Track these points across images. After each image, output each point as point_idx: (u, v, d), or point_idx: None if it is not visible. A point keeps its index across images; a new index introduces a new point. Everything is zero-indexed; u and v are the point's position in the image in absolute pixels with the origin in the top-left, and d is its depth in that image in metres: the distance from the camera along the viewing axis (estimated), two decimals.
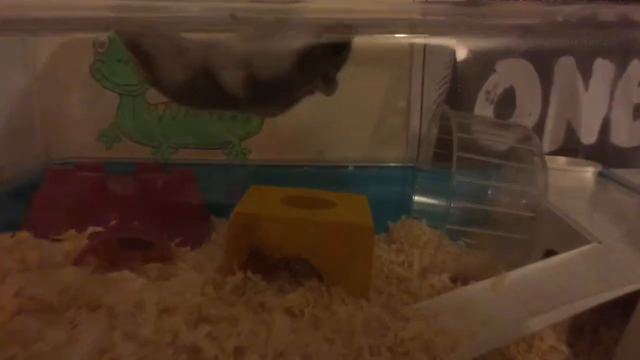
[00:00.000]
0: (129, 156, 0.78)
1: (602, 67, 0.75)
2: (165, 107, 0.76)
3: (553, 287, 0.48)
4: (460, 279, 0.61)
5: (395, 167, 0.79)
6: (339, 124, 0.77)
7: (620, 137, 0.78)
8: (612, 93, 0.76)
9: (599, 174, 0.72)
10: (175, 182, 0.67)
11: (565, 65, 0.74)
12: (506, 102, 0.77)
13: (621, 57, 0.74)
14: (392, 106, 0.77)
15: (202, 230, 0.68)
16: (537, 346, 0.50)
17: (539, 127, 0.77)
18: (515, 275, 0.51)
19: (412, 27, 0.43)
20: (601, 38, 0.63)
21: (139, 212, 0.62)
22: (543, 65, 0.75)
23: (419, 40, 0.69)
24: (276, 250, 0.51)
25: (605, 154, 0.79)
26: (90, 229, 0.57)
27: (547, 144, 0.78)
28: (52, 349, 0.33)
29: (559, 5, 0.45)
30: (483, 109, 0.76)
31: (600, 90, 0.76)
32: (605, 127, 0.78)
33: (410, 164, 0.78)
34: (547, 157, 0.76)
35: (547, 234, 0.58)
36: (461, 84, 0.75)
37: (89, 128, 0.77)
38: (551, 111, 0.77)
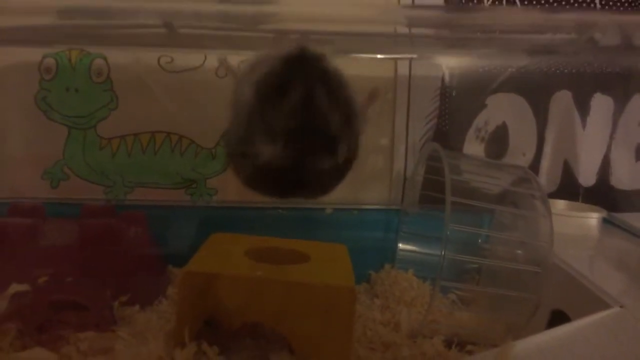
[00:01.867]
0: (77, 196, 0.68)
1: (601, 103, 0.70)
2: (120, 141, 0.68)
3: None
4: (456, 342, 0.53)
5: (378, 209, 0.72)
6: None
7: (621, 179, 0.73)
8: (612, 132, 0.71)
9: (604, 221, 0.66)
10: (123, 227, 0.57)
11: (561, 101, 0.69)
12: (498, 140, 0.71)
13: (622, 91, 0.69)
14: (374, 143, 0.70)
15: (155, 284, 0.59)
16: None
17: (534, 168, 0.71)
18: (523, 346, 0.43)
19: (396, 43, 0.36)
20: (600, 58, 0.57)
21: (79, 265, 0.53)
22: (538, 100, 0.69)
23: (404, 59, 0.63)
24: (238, 317, 0.42)
25: (605, 197, 0.72)
26: (13, 287, 0.47)
27: (543, 185, 0.72)
28: None
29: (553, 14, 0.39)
30: (473, 147, 0.69)
31: (599, 128, 0.70)
32: (604, 168, 0.72)
33: (394, 207, 0.71)
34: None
35: (554, 292, 0.51)
36: (449, 120, 0.69)
37: (32, 165, 0.68)
38: (547, 150, 0.71)
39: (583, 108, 0.70)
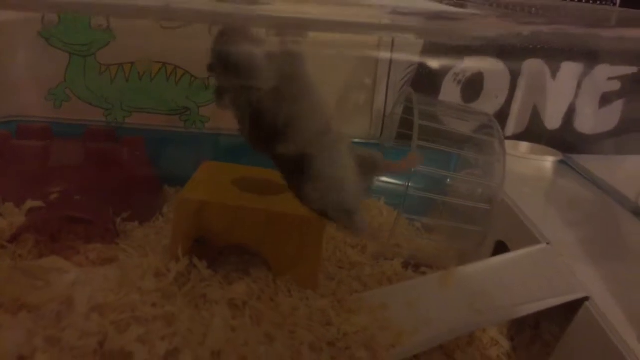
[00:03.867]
0: (79, 117, 0.74)
1: (570, 66, 0.74)
2: (118, 68, 0.72)
3: (500, 288, 0.48)
4: (412, 264, 0.61)
5: (358, 143, 0.77)
6: None
7: (585, 124, 0.78)
8: (579, 83, 0.75)
9: (560, 162, 0.72)
10: (123, 152, 0.63)
11: (534, 62, 0.73)
12: (474, 84, 0.75)
13: (589, 61, 0.73)
14: (357, 83, 0.74)
15: (152, 203, 0.65)
16: (479, 339, 0.51)
17: (505, 110, 0.76)
18: (463, 271, 0.51)
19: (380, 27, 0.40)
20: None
21: (85, 184, 0.60)
22: (512, 62, 0.73)
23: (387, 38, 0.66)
24: (224, 238, 0.50)
25: (569, 139, 0.78)
26: (29, 204, 0.54)
27: (512, 127, 0.77)
28: None
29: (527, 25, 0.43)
30: (450, 89, 0.74)
31: (568, 80, 0.75)
32: (570, 114, 0.77)
33: (373, 141, 0.76)
34: (510, 142, 0.76)
35: (500, 226, 0.58)
36: (429, 68, 0.73)
37: (36, 87, 0.73)
38: (518, 94, 0.75)
39: (553, 67, 0.74)
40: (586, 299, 0.43)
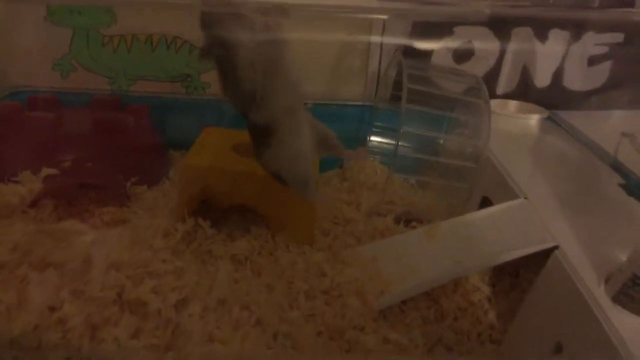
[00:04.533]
0: (85, 87, 0.77)
1: (558, 33, 0.75)
2: (120, 39, 0.75)
3: (479, 239, 0.52)
4: (404, 220, 0.66)
5: (353, 105, 0.80)
6: (300, 62, 0.77)
7: (573, 80, 0.80)
8: (567, 47, 0.77)
9: (547, 119, 0.75)
10: (130, 120, 0.67)
11: (521, 31, 0.75)
12: (464, 50, 0.77)
13: (577, 30, 0.74)
14: (352, 46, 0.76)
15: (159, 167, 0.70)
16: (462, 286, 0.56)
17: (495, 71, 0.78)
18: (447, 225, 0.55)
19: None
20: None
21: (94, 151, 0.64)
22: (501, 31, 0.75)
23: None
24: (226, 200, 0.54)
25: (557, 96, 0.81)
26: (45, 171, 0.58)
27: (502, 86, 0.80)
28: (6, 309, 0.36)
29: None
30: (442, 52, 0.76)
31: (556, 45, 0.77)
32: (559, 73, 0.79)
33: (368, 103, 0.79)
34: (499, 101, 0.78)
35: (485, 182, 0.62)
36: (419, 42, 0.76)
37: (43, 57, 0.76)
38: (507, 58, 0.77)
39: (541, 35, 0.76)
40: (556, 248, 0.47)
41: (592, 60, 0.77)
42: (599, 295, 0.41)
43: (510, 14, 0.64)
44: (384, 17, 0.42)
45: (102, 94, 0.75)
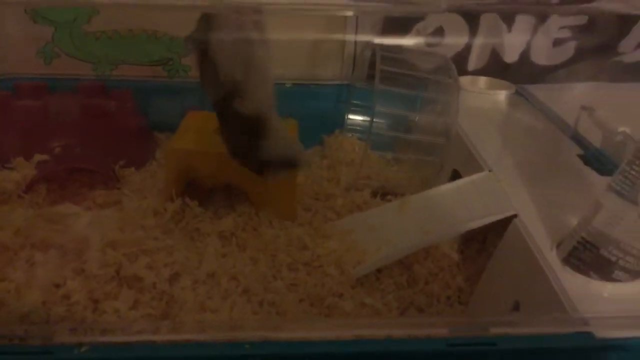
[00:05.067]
0: (69, 72, 0.79)
1: (524, 19, 0.79)
2: (102, 33, 0.77)
3: (446, 211, 0.57)
4: (380, 193, 0.70)
5: (331, 84, 0.83)
6: (278, 43, 0.79)
7: (540, 56, 0.84)
8: (533, 31, 0.80)
9: (514, 94, 0.79)
10: (115, 105, 0.70)
11: (489, 15, 0.78)
12: (436, 37, 0.80)
13: (541, 14, 0.78)
14: (328, 28, 0.79)
15: (145, 150, 0.72)
16: (433, 254, 0.60)
17: (466, 50, 0.82)
18: (418, 198, 0.59)
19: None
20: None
21: (83, 137, 0.66)
22: (470, 16, 0.78)
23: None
24: (211, 180, 0.58)
25: (526, 71, 0.85)
26: (37, 157, 0.61)
27: (473, 63, 0.83)
28: (15, 287, 0.40)
29: None
30: (414, 39, 0.79)
31: (523, 29, 0.80)
32: (526, 51, 0.83)
33: (345, 82, 0.82)
34: (469, 78, 0.82)
35: (455, 157, 0.66)
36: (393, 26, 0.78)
37: (27, 45, 0.77)
38: (477, 40, 0.81)
39: (509, 20, 0.79)
40: (515, 216, 0.51)
41: (557, 41, 0.81)
42: (551, 258, 0.45)
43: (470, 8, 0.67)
44: (350, 13, 0.45)
45: (86, 79, 0.77)
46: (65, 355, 0.32)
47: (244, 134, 0.50)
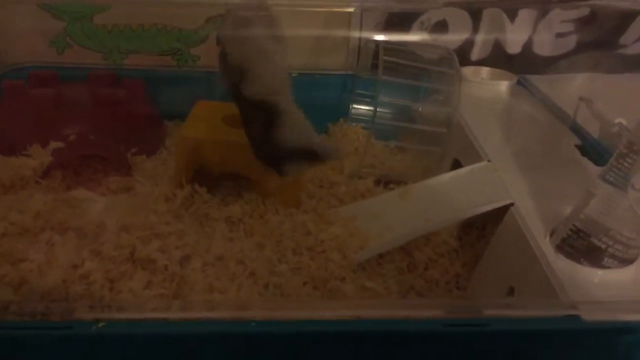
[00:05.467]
0: (81, 61, 0.81)
1: (527, 13, 0.80)
2: (113, 26, 0.79)
3: (446, 198, 0.59)
4: (383, 182, 0.72)
5: (336, 74, 0.85)
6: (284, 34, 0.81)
7: (543, 47, 0.85)
8: (535, 24, 0.81)
9: (516, 84, 0.81)
10: (126, 94, 0.72)
11: (492, 11, 0.79)
12: (439, 28, 0.82)
13: (542, 8, 0.79)
14: (334, 18, 0.80)
15: (156, 137, 0.75)
16: (433, 240, 0.62)
17: (469, 42, 0.83)
18: (419, 187, 0.61)
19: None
20: None
21: (95, 125, 0.69)
22: (473, 10, 0.79)
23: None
24: (219, 168, 0.60)
25: (528, 62, 0.86)
26: (53, 144, 0.63)
27: (476, 54, 0.85)
28: (37, 267, 0.42)
29: None
30: (418, 33, 0.81)
31: (525, 22, 0.81)
32: (528, 43, 0.84)
33: (350, 72, 0.84)
34: (472, 69, 0.84)
35: (456, 146, 0.68)
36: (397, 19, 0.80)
37: (40, 35, 0.79)
38: (480, 34, 0.82)
39: (511, 14, 0.80)
40: (511, 204, 0.53)
41: (559, 34, 0.82)
42: (545, 245, 0.47)
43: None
44: (351, 9, 0.47)
45: (97, 68, 0.79)
46: (85, 330, 0.35)
47: (254, 121, 0.51)
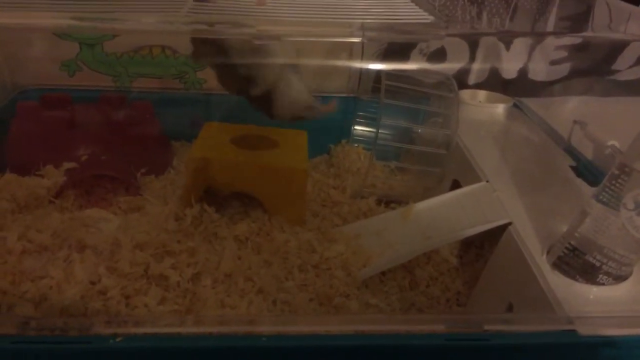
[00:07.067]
0: (91, 84, 0.84)
1: (522, 41, 0.83)
2: (122, 53, 0.81)
3: (445, 218, 0.61)
4: (384, 201, 0.74)
5: (338, 96, 0.87)
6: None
7: (537, 74, 0.88)
8: (530, 52, 0.85)
9: (512, 107, 0.83)
10: (136, 115, 0.74)
11: (488, 39, 0.83)
12: (437, 55, 0.85)
13: (537, 37, 0.83)
14: (337, 46, 0.83)
15: (164, 158, 0.77)
16: (434, 259, 0.64)
17: (466, 69, 0.86)
18: (420, 206, 0.64)
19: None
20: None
21: (106, 146, 0.71)
22: (470, 39, 0.83)
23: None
24: (227, 187, 0.62)
25: (523, 86, 0.89)
26: (65, 165, 0.65)
27: (473, 78, 0.88)
28: (56, 284, 0.44)
29: None
30: (417, 60, 0.84)
31: (520, 50, 0.85)
32: (523, 69, 0.87)
33: (352, 95, 0.87)
34: (470, 92, 0.86)
35: (455, 167, 0.70)
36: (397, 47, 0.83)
37: (51, 58, 0.82)
38: (476, 62, 0.85)
39: (506, 42, 0.84)
40: (509, 224, 0.55)
41: (554, 61, 0.86)
42: (542, 263, 0.49)
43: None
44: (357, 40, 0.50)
45: (107, 91, 0.82)
46: (102, 344, 0.36)
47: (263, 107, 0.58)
